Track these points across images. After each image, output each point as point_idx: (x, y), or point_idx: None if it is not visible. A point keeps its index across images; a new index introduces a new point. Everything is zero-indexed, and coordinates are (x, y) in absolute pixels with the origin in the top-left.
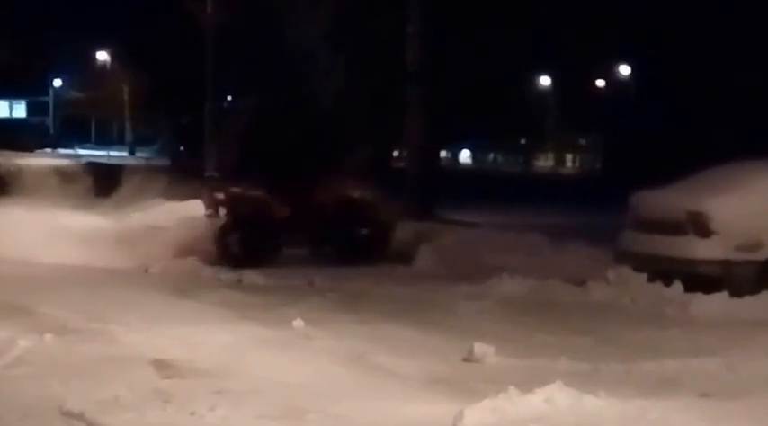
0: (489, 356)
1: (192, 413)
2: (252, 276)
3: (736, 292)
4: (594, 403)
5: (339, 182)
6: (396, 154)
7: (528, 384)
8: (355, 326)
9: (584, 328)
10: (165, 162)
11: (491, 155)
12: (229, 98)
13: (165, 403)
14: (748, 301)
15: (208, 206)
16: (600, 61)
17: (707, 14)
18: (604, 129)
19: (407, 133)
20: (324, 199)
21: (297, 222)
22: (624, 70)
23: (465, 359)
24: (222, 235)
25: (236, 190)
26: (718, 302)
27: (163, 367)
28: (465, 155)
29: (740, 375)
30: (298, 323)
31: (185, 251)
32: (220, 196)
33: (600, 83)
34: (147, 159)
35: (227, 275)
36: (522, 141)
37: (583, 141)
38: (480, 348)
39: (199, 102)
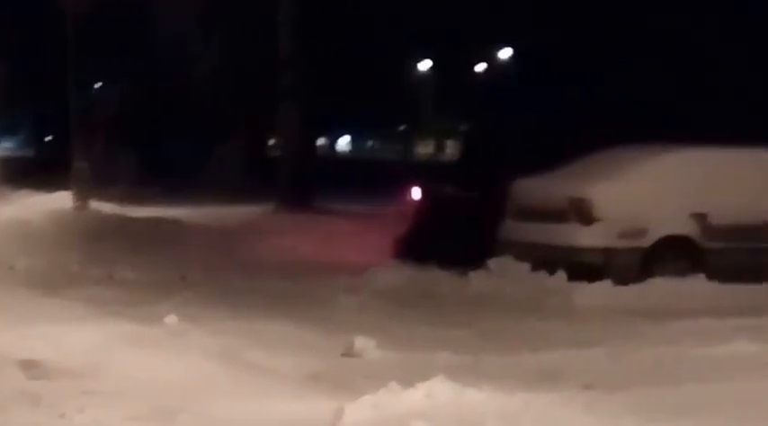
0: (370, 350)
1: (62, 416)
2: (123, 271)
3: (620, 280)
4: (477, 396)
5: None
6: (271, 142)
7: (409, 378)
8: (230, 322)
9: (466, 320)
10: (29, 152)
11: (369, 142)
12: (98, 85)
13: (34, 405)
14: (632, 289)
15: None
16: (481, 44)
17: None
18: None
19: (281, 121)
20: None
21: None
22: (505, 53)
23: (344, 354)
24: (421, 233)
25: (448, 189)
26: (602, 291)
27: (30, 367)
28: (344, 143)
29: (624, 365)
30: (170, 319)
31: (54, 245)
32: (417, 194)
33: (481, 67)
34: (10, 150)
35: (96, 270)
36: (402, 127)
37: (464, 127)
38: (361, 342)
39: (62, 89)
